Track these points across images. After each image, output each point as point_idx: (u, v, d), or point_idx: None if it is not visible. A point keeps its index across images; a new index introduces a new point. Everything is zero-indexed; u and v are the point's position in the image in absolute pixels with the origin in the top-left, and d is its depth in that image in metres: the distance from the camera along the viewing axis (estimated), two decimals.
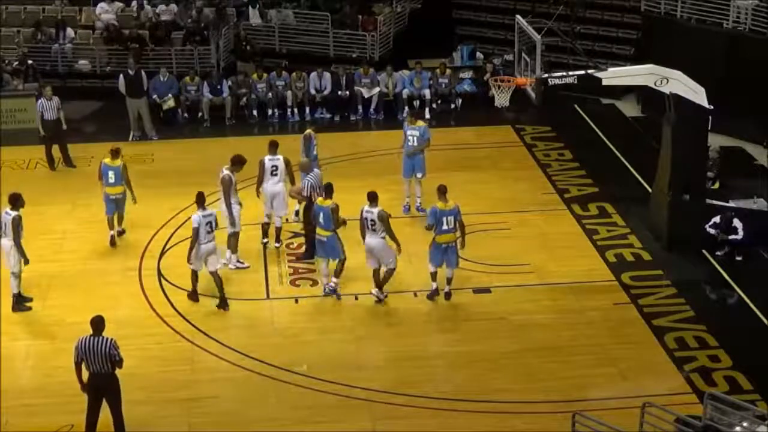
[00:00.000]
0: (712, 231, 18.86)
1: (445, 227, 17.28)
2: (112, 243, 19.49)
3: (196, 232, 17.03)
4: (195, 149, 24.40)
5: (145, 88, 25.10)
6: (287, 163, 19.16)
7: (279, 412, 14.88)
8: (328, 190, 17.53)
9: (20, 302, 17.39)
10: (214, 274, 17.35)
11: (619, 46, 28.29)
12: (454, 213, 17.32)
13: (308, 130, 20.45)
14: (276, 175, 19.09)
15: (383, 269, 17.47)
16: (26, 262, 17.11)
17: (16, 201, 17.07)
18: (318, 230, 17.48)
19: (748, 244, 18.82)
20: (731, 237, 18.70)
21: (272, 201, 19.15)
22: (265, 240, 19.50)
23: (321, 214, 17.38)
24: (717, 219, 18.85)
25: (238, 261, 18.79)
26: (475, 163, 23.24)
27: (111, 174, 19.41)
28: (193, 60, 27.46)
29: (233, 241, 18.67)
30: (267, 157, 19.13)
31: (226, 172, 18.44)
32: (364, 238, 17.32)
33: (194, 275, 17.47)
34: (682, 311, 17.36)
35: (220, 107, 25.95)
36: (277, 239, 19.37)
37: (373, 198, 17.32)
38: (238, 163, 18.60)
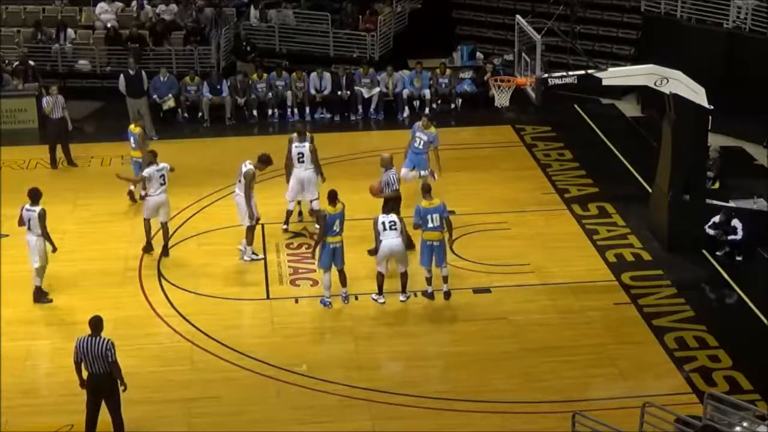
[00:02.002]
0: (711, 232, 18.86)
1: (431, 225, 17.25)
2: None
3: (148, 181, 18.67)
4: (195, 149, 24.41)
5: (145, 88, 25.12)
6: (313, 150, 19.55)
7: (279, 412, 14.88)
8: (333, 197, 17.40)
9: (41, 295, 17.57)
10: (164, 225, 18.89)
11: (619, 46, 28.28)
12: (440, 210, 17.30)
13: (294, 134, 20.37)
14: (303, 161, 19.54)
15: (399, 272, 17.45)
16: (54, 249, 17.46)
17: (37, 196, 17.45)
18: (332, 238, 17.13)
19: (748, 244, 18.80)
20: (731, 237, 18.70)
21: (303, 186, 19.58)
22: (285, 226, 19.84)
23: (337, 221, 17.16)
24: (716, 219, 18.85)
25: (253, 253, 18.88)
26: (475, 163, 23.24)
27: (132, 139, 21.11)
28: (193, 60, 27.47)
29: (249, 234, 18.78)
30: (294, 144, 19.59)
31: (250, 166, 18.56)
32: (377, 244, 17.25)
33: (146, 224, 18.93)
34: (682, 311, 17.36)
35: (220, 107, 25.97)
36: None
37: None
38: (264, 162, 18.83)
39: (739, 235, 18.67)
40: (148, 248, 19.05)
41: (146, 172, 18.82)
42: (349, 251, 17.58)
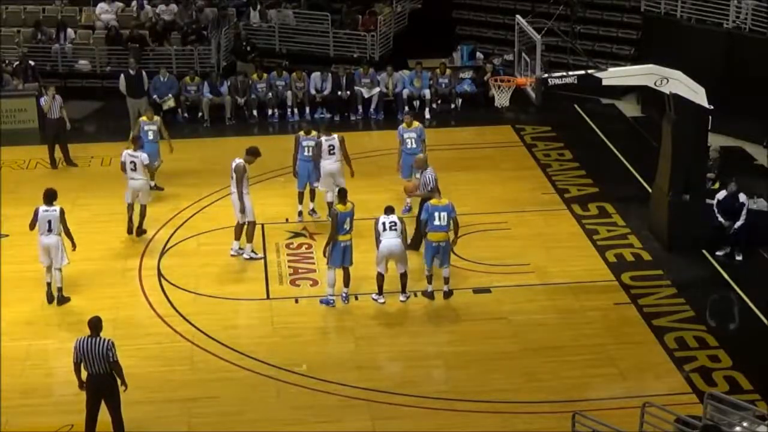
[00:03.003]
0: (720, 218, 18.66)
1: (437, 222, 17.24)
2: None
3: (122, 165, 19.49)
4: (195, 149, 24.39)
5: (145, 88, 25.16)
6: (342, 140, 19.96)
7: (279, 412, 14.88)
8: (343, 196, 17.43)
9: (62, 296, 17.58)
10: (143, 207, 19.62)
11: (619, 46, 28.27)
12: (448, 210, 17.31)
13: (301, 132, 20.45)
14: (333, 154, 19.90)
15: (398, 273, 17.44)
16: (74, 247, 17.45)
17: (52, 196, 17.46)
18: (342, 236, 17.14)
19: (748, 241, 18.72)
20: (738, 224, 18.53)
21: (334, 178, 19.84)
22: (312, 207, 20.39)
23: (347, 220, 17.17)
24: (720, 196, 18.67)
25: (252, 251, 18.91)
26: (475, 163, 23.24)
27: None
28: (193, 60, 27.47)
29: (249, 230, 18.84)
30: (324, 138, 19.97)
31: (239, 160, 18.66)
32: (378, 245, 17.27)
33: (128, 208, 19.53)
34: (682, 311, 17.36)
35: (220, 107, 25.97)
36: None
37: (391, 210, 17.48)
38: (253, 153, 18.90)
39: (743, 216, 18.51)
40: (135, 229, 19.65)
41: (123, 156, 19.49)
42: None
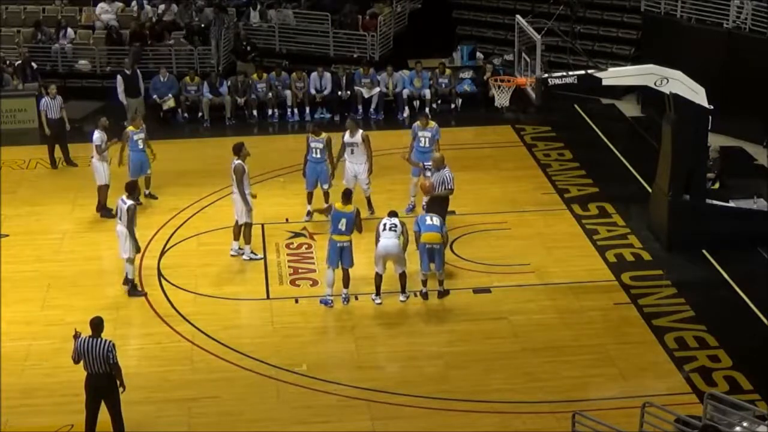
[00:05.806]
0: None
1: (429, 222, 17.23)
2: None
3: (98, 148, 20.42)
4: (195, 149, 24.41)
5: (141, 87, 25.18)
6: (365, 138, 19.99)
7: (279, 412, 14.87)
8: (346, 197, 17.40)
9: (135, 288, 17.67)
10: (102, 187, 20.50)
11: (619, 46, 28.28)
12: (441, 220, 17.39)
13: (311, 133, 20.41)
14: (354, 154, 19.95)
15: (397, 274, 17.43)
16: (138, 250, 17.52)
17: (132, 190, 17.58)
18: (337, 236, 17.09)
19: None
20: None
21: (356, 177, 19.95)
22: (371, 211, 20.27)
23: (343, 220, 17.11)
24: None
25: (252, 252, 18.89)
26: (475, 163, 23.22)
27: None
28: (193, 60, 27.47)
29: (247, 232, 18.79)
30: (346, 136, 20.01)
31: (237, 161, 18.55)
32: (377, 244, 17.27)
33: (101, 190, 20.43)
34: (682, 311, 17.35)
35: (220, 107, 25.97)
36: (369, 206, 20.19)
37: (394, 214, 17.57)
38: (238, 150, 18.66)
39: None
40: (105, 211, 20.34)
41: (96, 139, 20.38)
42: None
